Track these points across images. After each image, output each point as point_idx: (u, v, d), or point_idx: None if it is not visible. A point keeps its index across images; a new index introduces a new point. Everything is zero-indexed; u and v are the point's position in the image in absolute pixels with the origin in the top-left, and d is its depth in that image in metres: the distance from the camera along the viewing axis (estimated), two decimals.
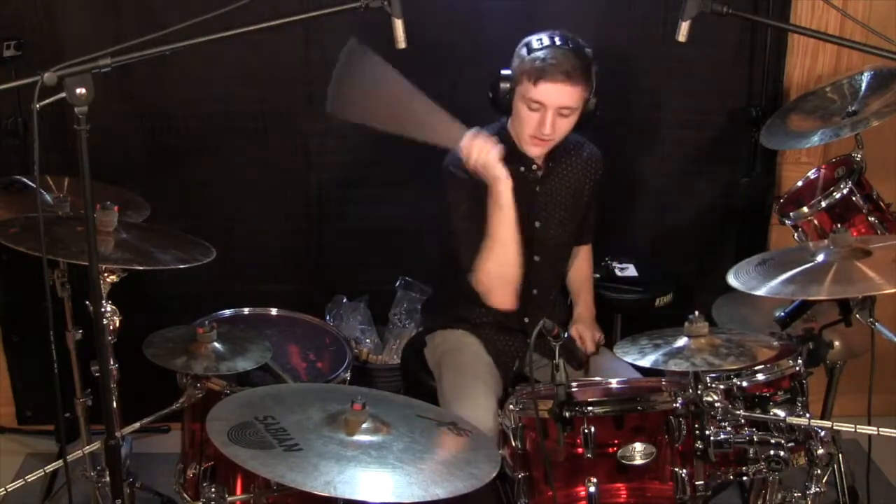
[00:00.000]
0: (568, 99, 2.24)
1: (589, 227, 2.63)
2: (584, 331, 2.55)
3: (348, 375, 2.42)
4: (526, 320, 2.48)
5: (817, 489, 2.02)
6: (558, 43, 2.23)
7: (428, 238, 2.88)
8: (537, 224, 2.44)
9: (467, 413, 2.20)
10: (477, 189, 2.30)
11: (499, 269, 2.31)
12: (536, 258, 2.45)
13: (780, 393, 2.08)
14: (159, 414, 2.16)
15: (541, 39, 2.25)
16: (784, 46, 2.99)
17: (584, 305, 2.64)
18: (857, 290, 1.94)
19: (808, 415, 2.04)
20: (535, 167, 2.41)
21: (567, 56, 2.21)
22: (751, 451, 2.01)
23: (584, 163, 2.49)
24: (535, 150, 2.36)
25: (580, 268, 2.67)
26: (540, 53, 2.22)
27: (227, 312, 2.55)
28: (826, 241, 2.07)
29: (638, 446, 2.00)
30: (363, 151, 3.08)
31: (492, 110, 2.40)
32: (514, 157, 2.37)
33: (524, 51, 2.27)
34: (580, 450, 1.98)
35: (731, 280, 2.03)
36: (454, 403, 2.30)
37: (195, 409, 2.23)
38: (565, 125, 2.29)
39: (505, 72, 2.30)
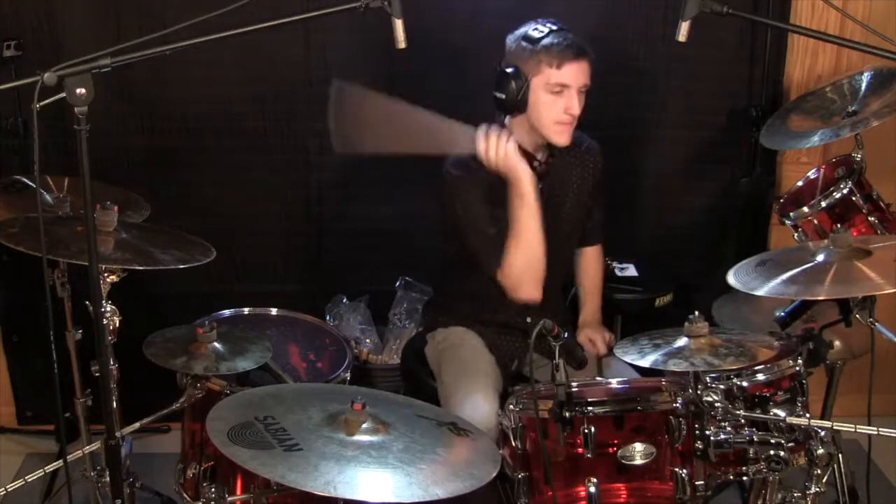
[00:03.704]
0: (587, 76, 2.28)
1: (594, 227, 2.63)
2: (592, 334, 2.55)
3: (348, 375, 2.42)
4: (528, 319, 2.47)
5: (817, 489, 2.02)
6: (555, 28, 2.27)
7: (428, 238, 2.87)
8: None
9: (468, 408, 2.21)
10: (486, 186, 2.31)
11: (527, 263, 2.32)
12: None
13: (780, 393, 2.08)
14: (159, 414, 2.16)
15: (537, 28, 2.27)
16: (784, 46, 2.99)
17: (589, 310, 2.64)
18: (858, 290, 1.94)
19: (808, 415, 2.04)
20: (536, 164, 2.41)
21: (572, 36, 2.26)
22: (751, 451, 2.01)
23: (583, 155, 2.50)
24: (563, 137, 2.33)
25: (588, 270, 2.66)
26: (550, 39, 2.24)
27: (227, 312, 2.56)
28: (826, 241, 2.07)
29: (638, 446, 1.99)
30: None
31: (494, 110, 2.38)
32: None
33: (526, 43, 2.27)
34: (580, 450, 1.98)
35: (731, 280, 2.03)
36: (455, 398, 2.30)
37: (195, 409, 2.23)
38: (583, 103, 2.31)
39: (509, 69, 2.29)
